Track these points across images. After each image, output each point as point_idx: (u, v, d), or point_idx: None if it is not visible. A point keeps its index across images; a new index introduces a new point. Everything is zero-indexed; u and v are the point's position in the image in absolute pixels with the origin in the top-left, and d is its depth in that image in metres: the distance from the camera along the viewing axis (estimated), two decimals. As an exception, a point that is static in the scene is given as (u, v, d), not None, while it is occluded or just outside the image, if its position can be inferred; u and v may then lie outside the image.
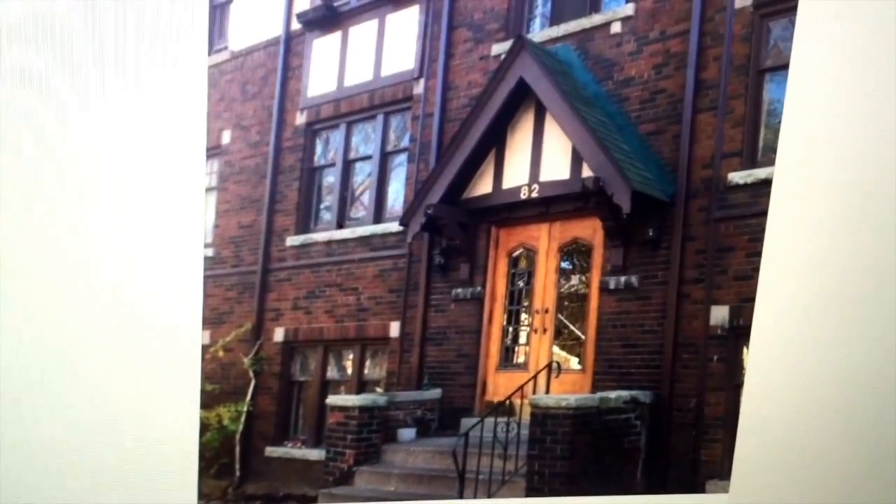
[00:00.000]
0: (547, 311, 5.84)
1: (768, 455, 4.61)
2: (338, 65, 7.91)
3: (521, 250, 6.11)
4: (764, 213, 4.60)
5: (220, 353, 7.90)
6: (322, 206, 8.08)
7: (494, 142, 6.01)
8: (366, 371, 7.23)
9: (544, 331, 5.82)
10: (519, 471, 4.90)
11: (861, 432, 4.39)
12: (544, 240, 5.92)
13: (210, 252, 8.59)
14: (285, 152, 8.24)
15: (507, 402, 5.23)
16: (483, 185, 6.08)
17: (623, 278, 5.38)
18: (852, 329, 4.42)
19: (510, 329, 6.13)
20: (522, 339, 6.05)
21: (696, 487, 4.89)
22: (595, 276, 5.60)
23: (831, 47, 4.58)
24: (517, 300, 6.13)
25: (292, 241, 7.94)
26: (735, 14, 5.27)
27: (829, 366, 4.46)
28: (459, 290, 6.27)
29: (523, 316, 6.07)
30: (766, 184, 4.68)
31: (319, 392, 7.35)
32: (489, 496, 4.94)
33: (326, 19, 8.05)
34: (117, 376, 2.57)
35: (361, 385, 7.15)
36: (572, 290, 5.89)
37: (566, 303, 5.91)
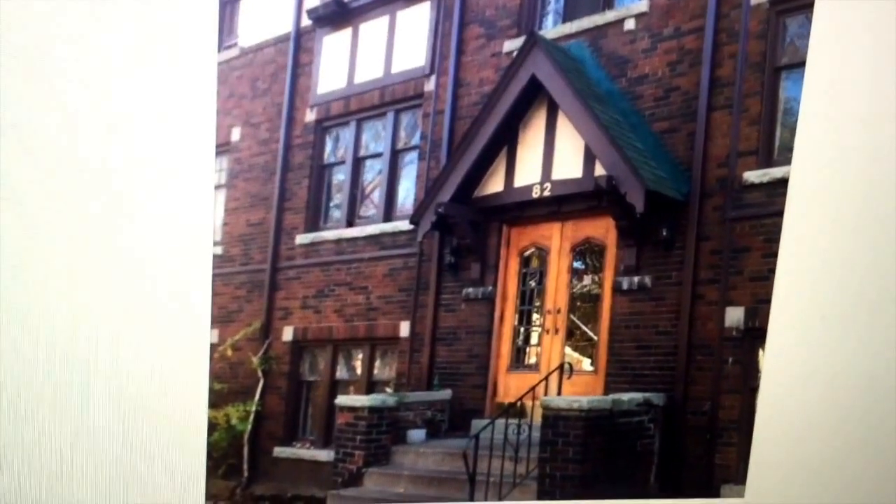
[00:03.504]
0: (559, 311, 5.78)
1: (784, 459, 4.55)
2: (348, 61, 7.85)
3: (532, 249, 6.05)
4: (780, 213, 4.54)
5: (229, 353, 7.86)
6: (332, 203, 8.03)
7: (506, 140, 5.96)
8: (375, 371, 7.18)
9: (556, 331, 5.77)
10: (530, 473, 4.85)
11: (880, 437, 4.32)
12: (556, 239, 5.86)
13: (219, 250, 8.55)
14: (295, 150, 8.18)
15: (519, 403, 5.18)
16: (494, 184, 6.03)
17: (636, 279, 5.32)
18: (870, 331, 4.35)
19: (521, 329, 6.07)
20: (534, 339, 5.99)
21: (711, 492, 4.83)
22: (608, 277, 5.54)
23: (848, 44, 4.52)
24: (529, 300, 6.07)
25: (301, 239, 7.88)
26: (751, 10, 5.20)
27: (846, 368, 4.40)
28: (470, 290, 6.21)
29: (535, 316, 6.02)
30: (783, 183, 4.62)
31: (328, 392, 7.30)
32: (500, 499, 4.89)
33: (337, 15, 7.99)
34: (124, 374, 2.53)
35: (371, 385, 7.10)
36: (585, 290, 5.84)
37: (578, 303, 5.85)
